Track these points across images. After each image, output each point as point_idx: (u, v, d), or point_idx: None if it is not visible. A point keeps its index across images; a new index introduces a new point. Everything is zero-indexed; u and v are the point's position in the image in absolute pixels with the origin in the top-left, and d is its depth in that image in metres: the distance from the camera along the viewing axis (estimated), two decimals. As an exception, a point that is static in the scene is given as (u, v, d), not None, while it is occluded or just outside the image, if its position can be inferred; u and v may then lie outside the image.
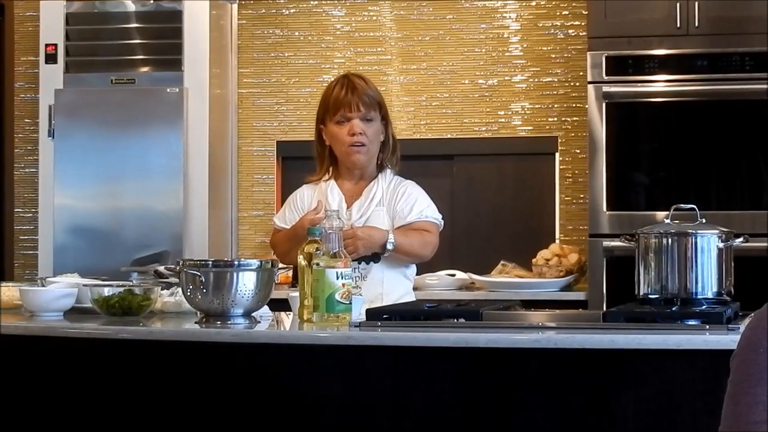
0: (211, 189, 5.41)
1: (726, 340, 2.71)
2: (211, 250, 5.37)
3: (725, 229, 3.34)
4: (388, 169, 3.79)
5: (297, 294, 3.29)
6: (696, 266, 3.28)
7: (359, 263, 3.61)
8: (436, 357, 2.88)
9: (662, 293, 3.29)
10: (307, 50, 5.73)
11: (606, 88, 4.87)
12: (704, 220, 3.37)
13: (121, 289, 3.35)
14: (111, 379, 3.14)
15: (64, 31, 5.46)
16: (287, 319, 3.46)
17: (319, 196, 3.77)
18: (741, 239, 3.34)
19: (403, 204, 3.70)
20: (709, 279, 3.28)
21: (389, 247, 3.60)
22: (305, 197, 3.82)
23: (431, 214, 3.72)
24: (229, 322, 3.13)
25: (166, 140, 5.34)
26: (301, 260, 3.21)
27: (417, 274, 3.95)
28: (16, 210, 5.90)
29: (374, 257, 3.67)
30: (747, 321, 1.80)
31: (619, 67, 4.88)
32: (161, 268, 3.90)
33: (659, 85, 4.87)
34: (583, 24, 5.35)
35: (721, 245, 3.29)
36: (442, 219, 3.79)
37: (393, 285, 3.69)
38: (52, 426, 3.21)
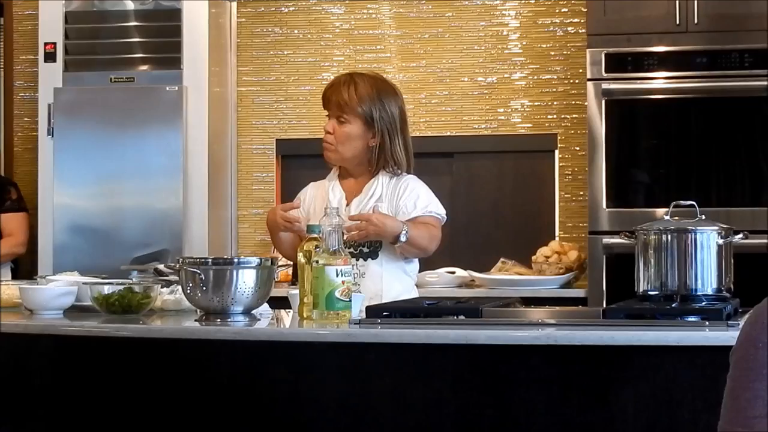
0: (210, 187, 5.41)
1: (726, 336, 2.71)
2: (211, 248, 5.37)
3: (725, 226, 3.34)
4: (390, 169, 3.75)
5: (297, 291, 3.29)
6: (696, 263, 3.28)
7: (357, 260, 3.61)
8: (436, 354, 2.88)
9: (662, 290, 3.29)
10: (307, 48, 5.73)
11: (605, 86, 4.87)
12: (704, 217, 3.37)
13: (121, 287, 3.35)
14: (111, 376, 3.14)
15: (63, 30, 5.46)
16: (287, 316, 3.46)
17: (322, 194, 3.77)
18: (741, 236, 3.33)
19: (406, 199, 3.67)
20: (708, 275, 3.28)
21: (402, 239, 3.55)
22: (307, 195, 3.83)
23: (435, 209, 3.70)
24: (229, 320, 3.13)
25: (166, 139, 5.34)
26: (301, 258, 3.21)
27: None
28: (15, 209, 5.90)
29: (372, 253, 3.66)
30: (746, 317, 1.80)
31: (618, 64, 4.88)
32: (161, 266, 3.89)
33: (659, 82, 4.87)
34: (582, 21, 5.35)
35: (721, 242, 3.29)
36: (445, 214, 3.76)
37: (392, 282, 3.68)
38: (52, 424, 3.21)
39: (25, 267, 5.54)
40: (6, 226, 5.18)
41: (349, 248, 3.51)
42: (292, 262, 3.90)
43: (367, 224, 3.52)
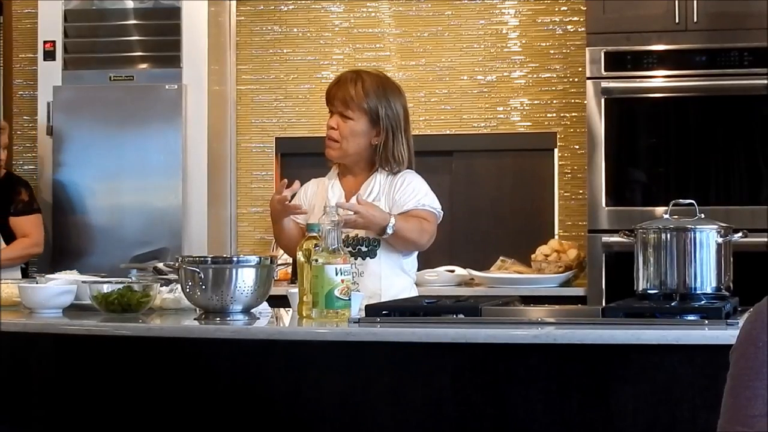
0: (210, 186, 5.41)
1: (725, 335, 2.71)
2: (210, 246, 5.37)
3: (724, 224, 3.34)
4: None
5: (296, 290, 3.29)
6: (695, 261, 3.28)
7: (356, 259, 3.61)
8: (435, 353, 2.88)
9: (661, 288, 3.29)
10: (306, 47, 5.73)
11: (605, 84, 4.87)
12: (703, 216, 3.37)
13: (120, 286, 3.35)
14: (110, 375, 3.14)
15: (63, 28, 5.46)
16: (286, 315, 3.46)
17: (322, 192, 3.77)
18: (740, 234, 3.33)
19: (401, 193, 3.68)
20: (708, 274, 3.28)
21: (389, 231, 3.57)
22: (308, 191, 3.83)
23: (429, 203, 3.70)
24: (228, 319, 3.13)
25: (165, 137, 5.34)
26: (300, 256, 3.22)
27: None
28: (15, 207, 5.89)
29: (370, 252, 3.66)
30: (746, 315, 1.80)
31: (617, 62, 4.88)
32: (160, 265, 3.89)
33: (658, 80, 4.87)
34: (581, 20, 5.35)
35: (720, 240, 3.29)
36: (441, 209, 3.76)
37: (391, 280, 3.68)
38: (52, 423, 3.21)
39: (41, 267, 5.51)
40: (20, 228, 5.16)
41: (347, 247, 3.52)
42: (291, 258, 3.90)
43: (357, 217, 3.52)
